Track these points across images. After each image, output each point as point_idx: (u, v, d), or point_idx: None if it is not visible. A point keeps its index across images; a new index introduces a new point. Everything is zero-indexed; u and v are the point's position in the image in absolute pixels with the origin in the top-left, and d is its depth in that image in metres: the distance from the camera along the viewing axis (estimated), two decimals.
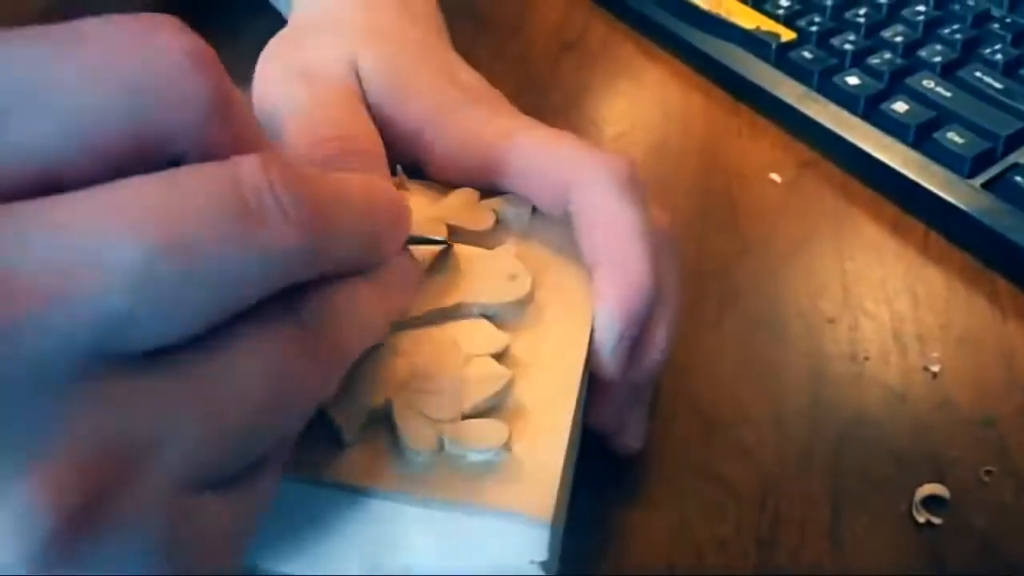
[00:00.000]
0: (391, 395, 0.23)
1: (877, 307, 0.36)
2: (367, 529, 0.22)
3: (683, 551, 0.28)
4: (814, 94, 0.44)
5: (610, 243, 0.26)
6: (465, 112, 0.29)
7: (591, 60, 0.50)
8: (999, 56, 0.44)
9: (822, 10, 0.48)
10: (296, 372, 0.18)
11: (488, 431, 0.22)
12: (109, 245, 0.15)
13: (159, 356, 0.16)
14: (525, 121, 0.29)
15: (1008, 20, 0.47)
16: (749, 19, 0.48)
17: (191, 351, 0.16)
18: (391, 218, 0.21)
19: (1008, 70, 0.43)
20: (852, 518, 0.29)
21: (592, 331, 0.25)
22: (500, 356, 0.24)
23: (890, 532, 0.28)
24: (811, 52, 0.45)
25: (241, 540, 0.19)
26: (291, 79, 0.30)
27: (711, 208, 0.40)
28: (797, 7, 0.48)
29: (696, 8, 0.49)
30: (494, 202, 0.28)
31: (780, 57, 0.46)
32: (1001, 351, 0.34)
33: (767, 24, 0.48)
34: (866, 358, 0.34)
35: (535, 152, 0.28)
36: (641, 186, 0.27)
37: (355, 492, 0.22)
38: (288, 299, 0.18)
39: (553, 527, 0.21)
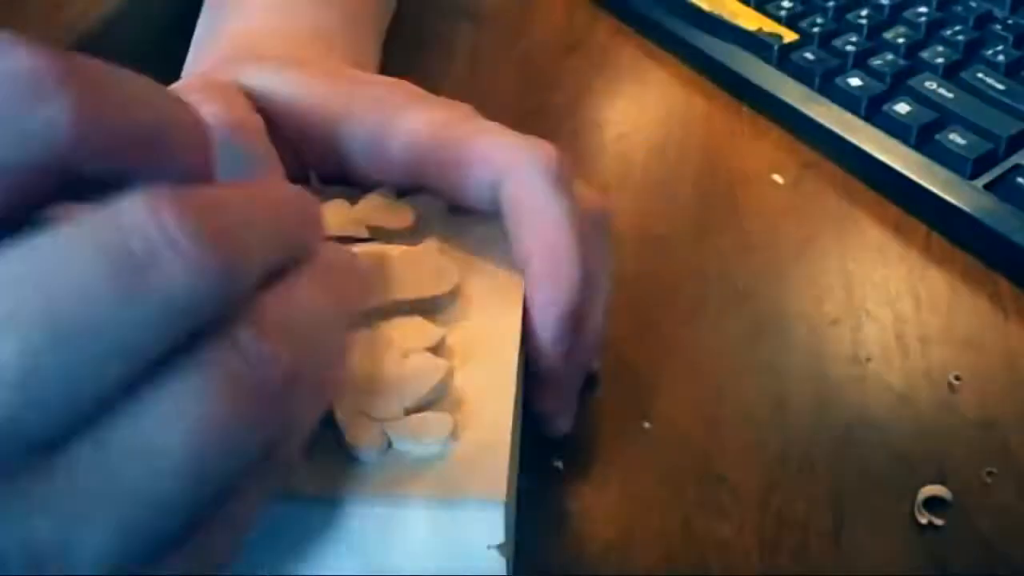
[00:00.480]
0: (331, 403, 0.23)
1: (879, 308, 0.36)
2: (324, 535, 0.21)
3: (685, 552, 0.28)
4: (816, 95, 0.44)
5: (540, 237, 0.26)
6: (381, 107, 0.29)
7: (593, 61, 0.50)
8: (1001, 57, 0.44)
9: (824, 11, 0.48)
10: (237, 412, 0.16)
11: (433, 424, 0.22)
12: None
13: (59, 447, 0.15)
14: (440, 110, 0.29)
15: (1010, 21, 0.47)
16: (751, 20, 0.48)
17: (96, 427, 0.15)
18: (303, 216, 0.20)
19: (1010, 71, 0.43)
20: (854, 519, 0.29)
21: (527, 319, 0.26)
22: (436, 349, 0.24)
23: (892, 533, 0.28)
24: (813, 53, 0.45)
25: (224, 567, 0.18)
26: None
27: (713, 209, 0.40)
28: (799, 8, 0.49)
29: (698, 9, 0.49)
30: (412, 199, 0.28)
31: (782, 58, 0.46)
32: (1003, 352, 0.34)
33: (769, 25, 0.48)
34: (868, 359, 0.34)
35: (458, 147, 0.27)
36: (567, 171, 0.27)
37: (308, 500, 0.22)
38: (220, 326, 0.16)
39: (507, 508, 0.22)
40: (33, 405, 0.14)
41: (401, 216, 0.28)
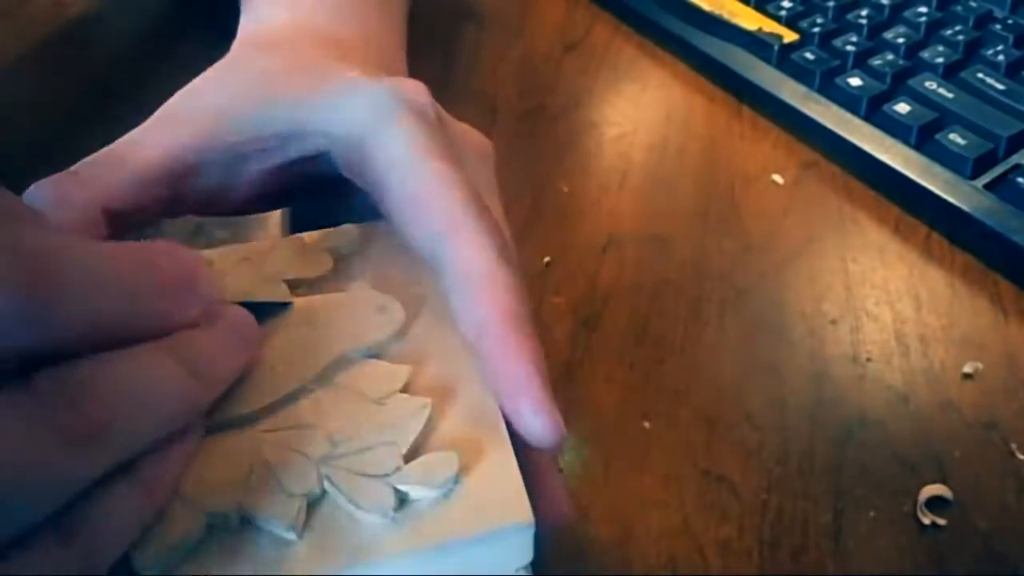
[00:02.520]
0: (322, 472, 0.22)
1: (879, 308, 0.36)
2: None
3: (686, 552, 0.28)
4: (816, 95, 0.44)
5: (494, 310, 0.23)
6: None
7: (593, 61, 0.50)
8: (1001, 57, 0.44)
9: (824, 11, 0.48)
10: (12, 447, 0.16)
11: (439, 464, 0.22)
12: None
13: None
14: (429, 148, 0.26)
15: (1010, 21, 0.47)
16: (751, 20, 0.48)
17: None
18: (174, 277, 0.20)
19: (1010, 71, 0.43)
20: (854, 519, 0.29)
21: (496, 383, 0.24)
22: (407, 388, 0.24)
23: (892, 533, 0.28)
24: (813, 53, 0.45)
25: None
26: None
27: (713, 209, 0.40)
28: (799, 8, 0.49)
29: (698, 9, 0.49)
30: (322, 241, 0.27)
31: (782, 58, 0.46)
32: (1003, 352, 0.34)
33: (769, 25, 0.48)
34: (868, 359, 0.34)
35: (415, 191, 0.25)
36: (431, 110, 0.26)
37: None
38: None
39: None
40: None
41: (318, 261, 0.26)
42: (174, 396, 0.20)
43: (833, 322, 0.35)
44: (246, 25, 0.34)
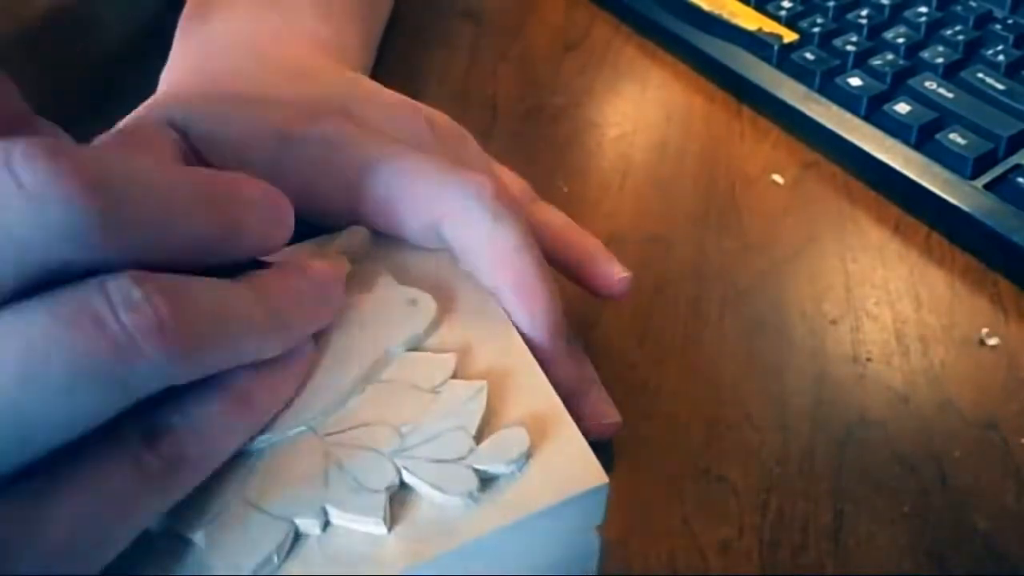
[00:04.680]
0: (398, 465, 0.22)
1: (879, 308, 0.36)
2: None
3: (685, 552, 0.28)
4: (816, 95, 0.44)
5: (501, 270, 0.26)
6: (314, 151, 0.28)
7: (593, 61, 0.50)
8: (1001, 57, 0.44)
9: (824, 11, 0.48)
10: (78, 341, 0.17)
11: (511, 440, 0.22)
12: None
13: None
14: (374, 146, 0.28)
15: (1010, 21, 0.47)
16: (751, 20, 0.48)
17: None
18: (259, 197, 0.21)
19: (1010, 71, 0.43)
20: (854, 519, 0.29)
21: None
22: (455, 374, 0.24)
23: (892, 533, 0.28)
24: (813, 53, 0.45)
25: None
26: None
27: (713, 209, 0.40)
28: (799, 8, 0.49)
29: (698, 9, 0.49)
30: (334, 246, 0.27)
31: (782, 58, 0.46)
32: (1004, 352, 0.34)
33: (769, 25, 0.48)
34: (868, 359, 0.34)
35: (388, 196, 0.27)
36: (503, 195, 0.27)
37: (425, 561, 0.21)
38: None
39: None
40: None
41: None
42: (252, 331, 0.20)
43: (833, 322, 0.35)
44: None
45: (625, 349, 0.34)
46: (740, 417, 0.32)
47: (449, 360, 0.24)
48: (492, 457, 0.22)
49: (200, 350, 0.18)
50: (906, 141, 0.41)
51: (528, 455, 0.22)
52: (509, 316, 0.26)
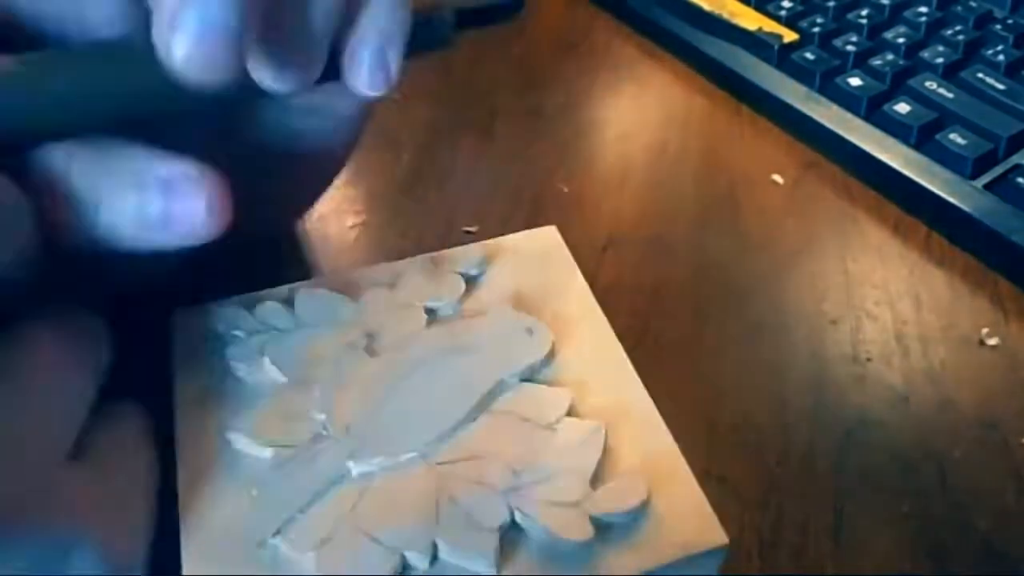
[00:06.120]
0: (510, 504, 0.21)
1: (879, 308, 0.36)
2: None
3: None
4: (816, 95, 0.44)
5: None
6: None
7: (593, 61, 0.50)
8: (1001, 57, 0.44)
9: (824, 11, 0.48)
10: None
11: (628, 488, 0.21)
12: None
13: None
14: None
15: (1010, 21, 0.47)
16: (751, 20, 0.48)
17: None
18: None
19: (1010, 71, 0.43)
20: (854, 519, 0.29)
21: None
22: (571, 412, 0.23)
23: (892, 533, 0.28)
24: (813, 53, 0.45)
25: None
26: None
27: (713, 209, 0.40)
28: (799, 8, 0.49)
29: (698, 9, 0.49)
30: (450, 263, 0.27)
31: (782, 58, 0.46)
32: (1004, 352, 0.34)
33: (769, 25, 0.48)
34: (868, 359, 0.34)
35: None
36: None
37: None
38: None
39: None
40: None
41: (451, 285, 0.26)
42: None
43: (833, 322, 0.35)
44: None
45: (625, 349, 0.34)
46: (740, 417, 0.32)
47: (565, 396, 0.23)
48: (609, 504, 0.21)
49: None
50: (906, 141, 0.41)
51: (646, 505, 0.21)
52: None
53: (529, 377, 0.24)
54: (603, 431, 0.23)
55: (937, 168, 0.39)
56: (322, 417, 0.23)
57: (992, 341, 0.34)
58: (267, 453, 0.22)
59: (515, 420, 0.23)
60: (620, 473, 0.22)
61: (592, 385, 0.24)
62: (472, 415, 0.23)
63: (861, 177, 0.42)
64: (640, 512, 0.21)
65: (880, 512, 0.29)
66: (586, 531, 0.21)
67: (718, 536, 0.21)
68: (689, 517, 0.21)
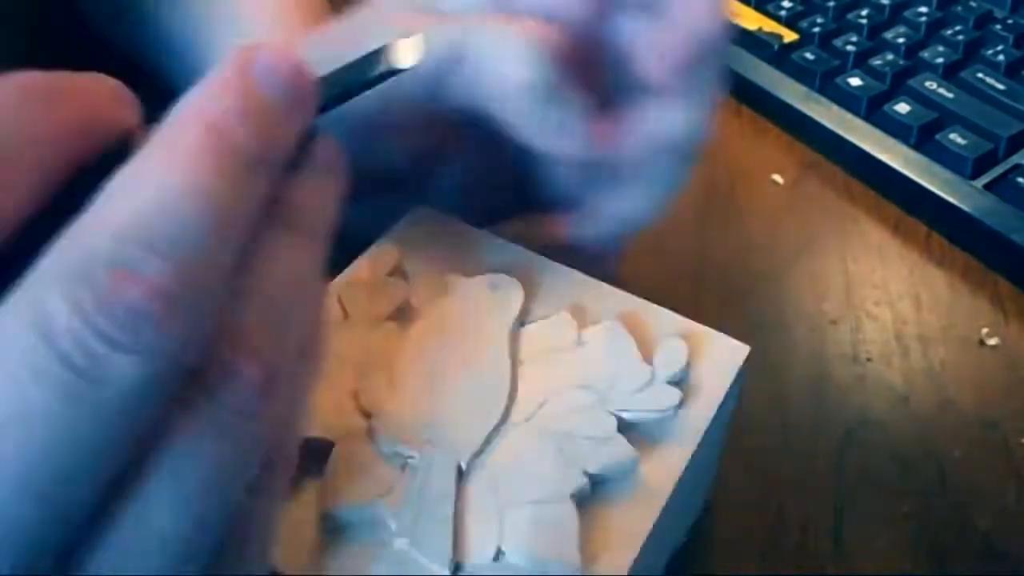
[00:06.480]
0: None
1: (879, 308, 0.36)
2: None
3: (686, 552, 0.28)
4: (816, 95, 0.44)
5: None
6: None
7: None
8: (1001, 57, 0.44)
9: (824, 11, 0.48)
10: (230, 457, 0.15)
11: (675, 353, 0.25)
12: None
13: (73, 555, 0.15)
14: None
15: (1010, 21, 0.47)
16: (751, 20, 0.48)
17: (99, 532, 0.15)
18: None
19: (1010, 71, 0.43)
20: (854, 519, 0.29)
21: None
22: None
23: (892, 533, 0.28)
24: (813, 53, 0.45)
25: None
26: None
27: (713, 209, 0.40)
28: (799, 8, 0.49)
29: None
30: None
31: (782, 58, 0.46)
32: (1004, 352, 0.34)
33: (769, 25, 0.48)
34: (868, 359, 0.34)
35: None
36: None
37: None
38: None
39: None
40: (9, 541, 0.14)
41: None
42: (308, 276, 0.18)
43: (833, 322, 0.35)
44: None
45: None
46: (740, 417, 0.32)
47: (568, 318, 0.25)
48: (667, 368, 0.24)
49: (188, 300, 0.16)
50: (906, 141, 0.41)
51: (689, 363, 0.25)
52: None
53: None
54: (616, 324, 0.25)
55: (937, 168, 0.39)
56: None
57: (992, 341, 0.34)
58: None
59: (547, 354, 0.25)
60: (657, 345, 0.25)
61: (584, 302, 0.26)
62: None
63: (861, 177, 0.42)
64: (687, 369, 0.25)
65: (880, 512, 0.29)
66: (674, 396, 0.24)
67: (740, 350, 0.26)
68: (717, 354, 0.26)
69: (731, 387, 0.25)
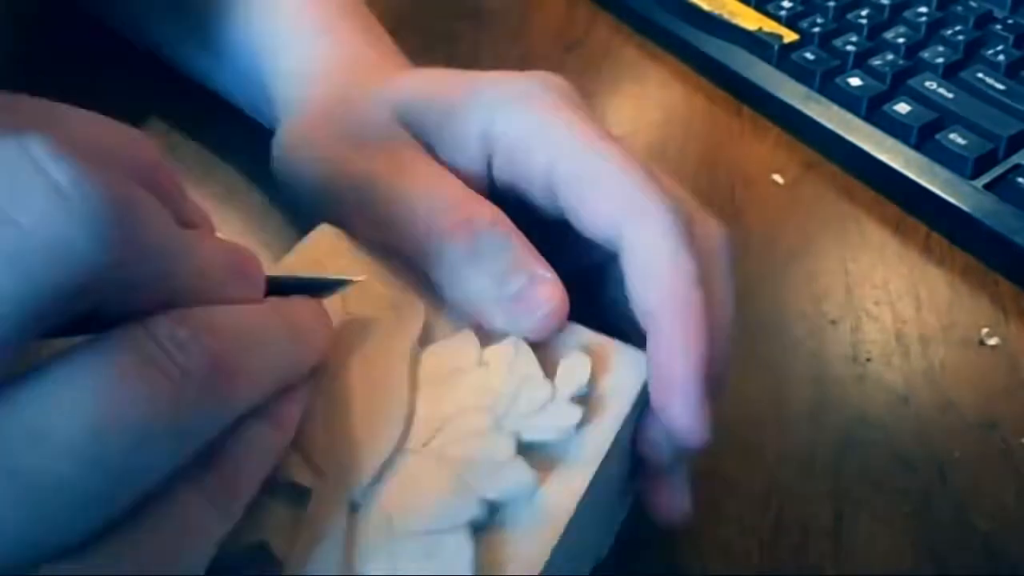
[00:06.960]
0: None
1: (879, 308, 0.36)
2: None
3: (685, 552, 0.28)
4: (816, 95, 0.44)
5: (667, 296, 0.24)
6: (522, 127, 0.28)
7: (593, 62, 0.50)
8: (1001, 57, 0.44)
9: (824, 11, 0.48)
10: (144, 395, 0.16)
11: (576, 368, 0.24)
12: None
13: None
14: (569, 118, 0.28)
15: (1010, 21, 0.47)
16: (751, 20, 0.48)
17: None
18: (246, 265, 0.20)
19: (1010, 71, 0.43)
20: (854, 519, 0.29)
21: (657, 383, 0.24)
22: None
23: (892, 533, 0.28)
24: (813, 53, 0.45)
25: None
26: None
27: (713, 209, 0.40)
28: (799, 8, 0.49)
29: (698, 9, 0.49)
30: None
31: (782, 58, 0.46)
32: (1004, 352, 0.34)
33: (769, 25, 0.48)
34: (868, 359, 0.34)
35: (581, 181, 0.26)
36: (689, 225, 0.25)
37: None
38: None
39: None
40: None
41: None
42: (285, 351, 0.20)
43: (833, 322, 0.35)
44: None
45: None
46: (740, 417, 0.32)
47: (469, 336, 0.24)
48: (569, 385, 0.23)
49: (250, 378, 0.18)
50: (906, 141, 0.41)
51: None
52: (657, 343, 0.24)
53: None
54: (520, 340, 0.24)
55: (937, 168, 0.39)
56: None
57: (992, 341, 0.34)
58: None
59: (447, 375, 0.24)
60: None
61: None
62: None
63: (861, 177, 0.42)
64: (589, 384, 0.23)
65: (880, 512, 0.29)
66: (575, 414, 0.22)
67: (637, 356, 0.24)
68: (620, 368, 0.24)
69: (636, 400, 0.23)
